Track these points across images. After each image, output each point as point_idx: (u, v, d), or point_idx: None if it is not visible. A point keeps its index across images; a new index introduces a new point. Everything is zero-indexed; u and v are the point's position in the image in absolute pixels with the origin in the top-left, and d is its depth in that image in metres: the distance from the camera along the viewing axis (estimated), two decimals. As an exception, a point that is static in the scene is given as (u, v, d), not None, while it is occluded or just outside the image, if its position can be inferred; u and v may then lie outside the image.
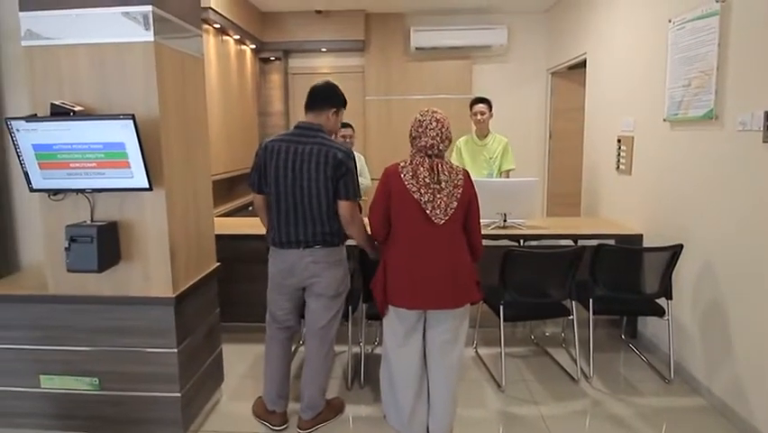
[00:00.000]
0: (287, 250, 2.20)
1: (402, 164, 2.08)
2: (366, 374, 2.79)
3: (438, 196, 2.01)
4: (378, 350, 3.15)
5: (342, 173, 2.11)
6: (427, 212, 2.00)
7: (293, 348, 2.40)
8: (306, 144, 2.13)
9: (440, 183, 2.02)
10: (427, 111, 2.14)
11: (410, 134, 2.16)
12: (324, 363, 2.32)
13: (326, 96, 2.23)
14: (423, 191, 2.01)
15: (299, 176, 2.12)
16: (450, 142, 2.14)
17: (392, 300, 2.09)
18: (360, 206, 2.39)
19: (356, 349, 2.99)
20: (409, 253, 2.06)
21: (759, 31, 2.23)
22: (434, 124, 2.08)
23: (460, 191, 2.04)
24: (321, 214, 2.15)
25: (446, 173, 2.04)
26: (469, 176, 2.12)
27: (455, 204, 2.02)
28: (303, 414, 2.34)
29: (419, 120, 2.12)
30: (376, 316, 2.68)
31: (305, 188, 2.12)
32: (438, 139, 2.06)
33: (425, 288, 2.04)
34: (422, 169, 2.03)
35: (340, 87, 2.30)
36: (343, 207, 2.15)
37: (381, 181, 2.11)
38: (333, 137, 2.26)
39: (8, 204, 2.42)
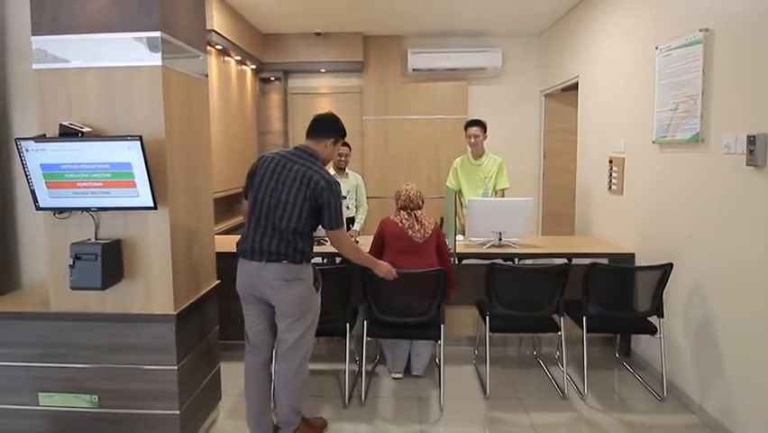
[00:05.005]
0: (249, 261, 2.23)
1: (393, 215, 2.97)
2: (366, 392, 2.81)
3: (419, 227, 2.88)
4: (378, 369, 3.17)
5: (323, 201, 2.18)
6: (410, 233, 2.84)
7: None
8: (296, 164, 2.23)
9: (418, 220, 2.90)
10: (403, 187, 3.02)
11: (396, 201, 3.02)
12: (291, 383, 2.30)
13: (328, 127, 2.35)
14: (407, 224, 2.88)
15: (280, 189, 2.19)
16: (422, 200, 2.97)
17: None
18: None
19: (354, 367, 3.01)
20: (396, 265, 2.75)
21: (741, 58, 2.33)
22: (404, 191, 2.97)
23: (432, 227, 2.91)
24: (288, 230, 2.18)
25: (422, 217, 2.93)
26: (438, 227, 2.97)
27: (430, 231, 2.88)
28: (279, 431, 2.37)
29: (398, 191, 3.02)
30: (376, 333, 2.76)
31: (281, 201, 2.18)
32: (408, 200, 2.95)
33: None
34: (404, 213, 2.93)
35: (341, 119, 2.41)
36: (330, 236, 2.29)
37: (378, 228, 2.96)
38: (329, 165, 2.41)
39: (12, 221, 2.45)
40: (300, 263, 2.22)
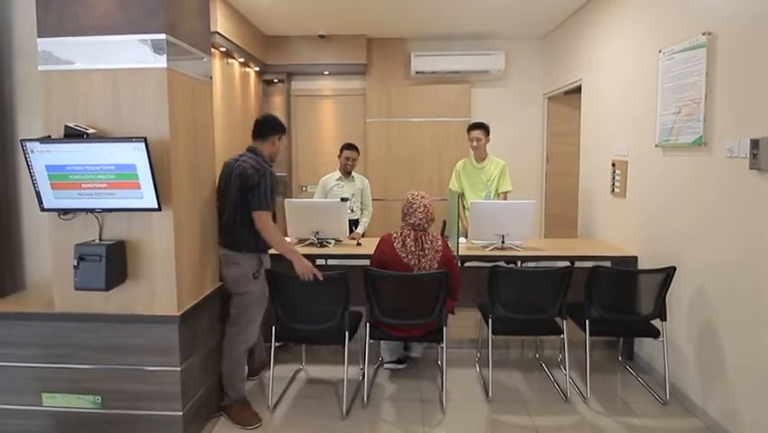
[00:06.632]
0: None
1: (395, 235, 2.73)
2: (369, 394, 2.81)
3: (423, 260, 2.67)
4: (380, 371, 3.17)
5: (248, 186, 2.41)
6: (415, 270, 2.65)
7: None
8: (237, 161, 2.52)
9: (424, 250, 2.68)
10: (417, 195, 2.74)
11: (402, 211, 2.75)
12: (225, 352, 2.56)
13: (271, 127, 2.65)
14: (410, 256, 2.67)
15: (229, 187, 2.50)
16: (433, 221, 2.74)
17: None
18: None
19: (356, 371, 3.01)
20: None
21: (744, 62, 2.33)
22: (422, 207, 2.71)
23: (440, 255, 2.69)
24: (229, 221, 2.51)
25: (429, 243, 2.70)
26: (447, 243, 2.77)
27: (436, 264, 2.68)
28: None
29: (410, 201, 2.73)
30: (379, 336, 2.76)
31: (227, 198, 2.51)
32: (424, 219, 2.70)
33: None
34: (409, 240, 2.69)
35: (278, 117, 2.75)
36: (255, 216, 2.45)
37: (378, 246, 2.77)
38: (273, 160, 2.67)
39: (17, 222, 2.46)
40: (240, 252, 2.50)
